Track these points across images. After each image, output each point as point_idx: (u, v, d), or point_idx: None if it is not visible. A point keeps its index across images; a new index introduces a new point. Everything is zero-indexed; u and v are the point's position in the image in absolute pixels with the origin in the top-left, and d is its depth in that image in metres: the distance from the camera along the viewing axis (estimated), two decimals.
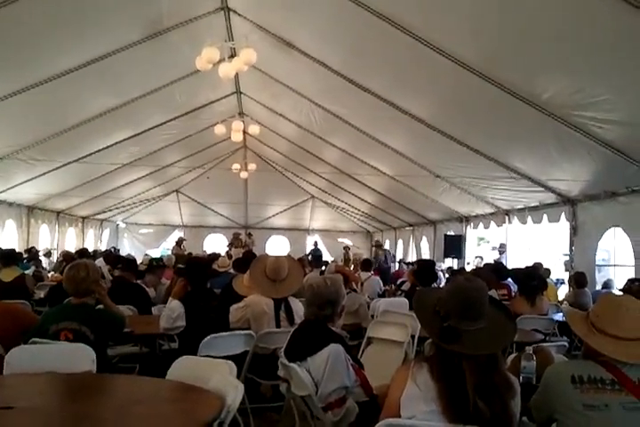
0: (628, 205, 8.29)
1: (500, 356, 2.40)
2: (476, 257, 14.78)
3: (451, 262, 14.52)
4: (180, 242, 19.30)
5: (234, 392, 2.56)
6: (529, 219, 11.17)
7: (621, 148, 7.18)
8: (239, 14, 8.70)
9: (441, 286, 7.93)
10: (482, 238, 18.05)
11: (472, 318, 2.36)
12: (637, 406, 2.35)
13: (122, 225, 21.69)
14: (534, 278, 6.36)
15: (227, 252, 17.52)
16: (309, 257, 16.04)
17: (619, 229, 8.69)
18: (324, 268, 10.52)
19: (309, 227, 22.55)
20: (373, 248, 19.64)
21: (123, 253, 17.09)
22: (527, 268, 7.36)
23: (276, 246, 21.81)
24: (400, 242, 19.29)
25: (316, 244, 21.21)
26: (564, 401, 2.44)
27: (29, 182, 12.14)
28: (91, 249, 14.16)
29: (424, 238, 17.05)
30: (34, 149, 10.37)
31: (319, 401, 3.05)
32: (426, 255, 16.25)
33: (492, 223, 12.84)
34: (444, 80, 7.69)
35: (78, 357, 3.31)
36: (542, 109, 7.03)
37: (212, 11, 8.56)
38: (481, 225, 13.49)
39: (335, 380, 3.07)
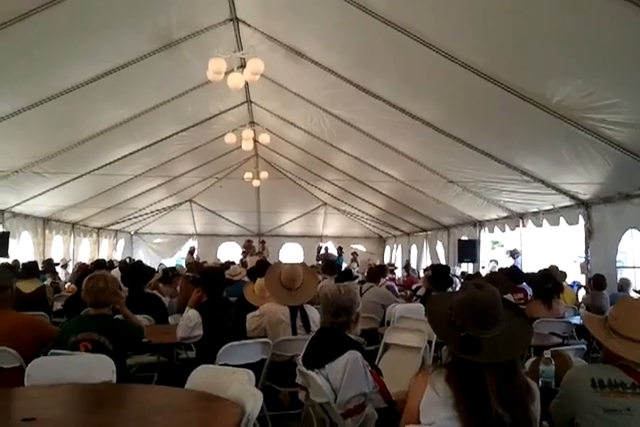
0: None
1: (517, 359, 2.40)
2: (491, 261, 14.72)
3: (465, 267, 14.45)
4: (192, 251, 19.34)
5: (253, 401, 2.57)
6: (544, 222, 11.12)
7: (634, 149, 7.15)
8: (248, 25, 8.74)
9: (456, 290, 7.89)
10: (496, 242, 17.98)
11: (489, 326, 2.34)
12: None
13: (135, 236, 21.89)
14: (548, 282, 6.32)
15: (241, 260, 17.58)
16: (320, 262, 16.06)
17: (635, 231, 8.62)
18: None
19: (322, 234, 22.55)
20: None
21: None
22: (541, 271, 7.31)
23: (290, 254, 21.84)
24: (414, 247, 19.24)
25: (326, 249, 20.97)
26: (585, 405, 2.44)
27: (44, 195, 12.26)
28: (106, 260, 14.23)
29: (438, 243, 17.00)
30: (48, 161, 10.47)
31: (338, 408, 3.06)
32: (440, 260, 16.20)
33: (506, 227, 12.80)
34: (454, 85, 7.68)
35: (98, 367, 3.34)
36: (553, 113, 7.01)
37: (222, 22, 8.60)
38: (495, 229, 13.44)
39: (354, 387, 3.08)
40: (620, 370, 2.46)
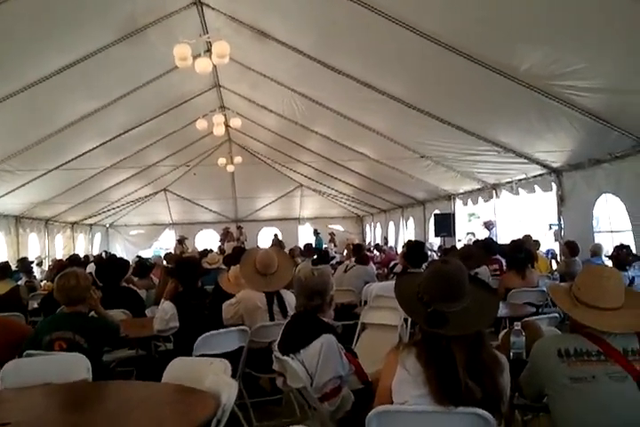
0: (612, 172, 8.31)
1: (485, 332, 2.43)
2: (468, 233, 14.84)
3: (442, 241, 14.55)
4: (181, 240, 19.17)
5: (228, 391, 2.58)
6: (518, 191, 11.19)
7: (601, 115, 7.17)
8: (212, 8, 8.63)
9: None
10: (472, 214, 18.10)
11: (454, 299, 2.39)
12: (624, 376, 2.38)
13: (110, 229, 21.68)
14: (521, 251, 6.40)
15: (219, 247, 17.53)
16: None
17: (609, 196, 8.69)
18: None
19: (300, 216, 22.55)
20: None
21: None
22: (513, 242, 7.39)
23: (269, 238, 21.79)
24: (391, 224, 19.34)
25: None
26: (552, 376, 2.47)
27: (14, 192, 12.06)
28: (82, 254, 14.11)
29: (415, 219, 17.10)
30: (15, 158, 10.29)
31: (315, 392, 3.07)
32: (417, 236, 16.31)
33: (480, 199, 12.88)
34: (420, 58, 7.64)
35: (73, 366, 3.32)
36: (520, 82, 7.00)
37: (185, 6, 8.48)
38: (470, 201, 13.52)
39: (329, 370, 3.09)
40: (586, 338, 2.49)
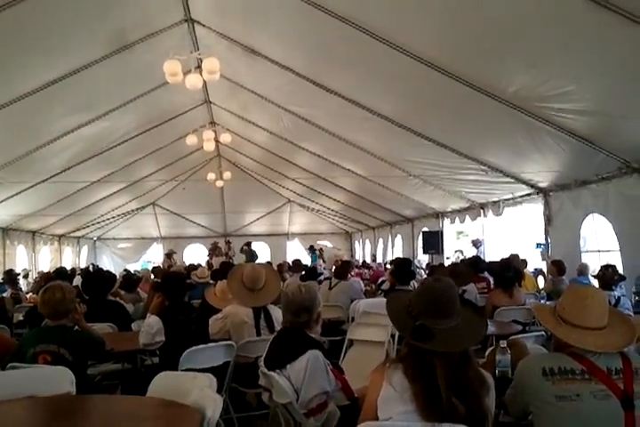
0: (599, 192, 8.40)
1: (471, 352, 2.44)
2: (456, 251, 14.91)
3: (430, 259, 14.59)
4: (170, 254, 19.04)
5: (213, 405, 2.57)
6: (505, 211, 11.30)
7: (588, 137, 7.28)
8: (203, 25, 8.69)
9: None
10: (461, 232, 18.19)
11: (443, 316, 2.41)
12: (608, 395, 2.39)
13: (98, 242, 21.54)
14: (509, 270, 6.45)
15: (207, 262, 17.47)
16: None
17: (596, 216, 8.78)
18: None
19: (289, 231, 22.56)
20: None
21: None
22: (502, 260, 7.45)
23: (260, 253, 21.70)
24: (380, 241, 19.39)
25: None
26: (537, 394, 2.48)
27: (1, 204, 11.99)
28: (69, 267, 13.99)
29: (403, 236, 17.16)
30: (3, 170, 10.24)
31: (301, 408, 3.06)
32: (406, 253, 16.36)
33: (468, 217, 12.96)
34: (410, 78, 7.72)
35: (57, 379, 3.27)
36: (509, 103, 7.11)
37: (176, 23, 8.52)
38: (458, 220, 13.60)
39: (315, 385, 3.09)
40: (570, 357, 2.50)
